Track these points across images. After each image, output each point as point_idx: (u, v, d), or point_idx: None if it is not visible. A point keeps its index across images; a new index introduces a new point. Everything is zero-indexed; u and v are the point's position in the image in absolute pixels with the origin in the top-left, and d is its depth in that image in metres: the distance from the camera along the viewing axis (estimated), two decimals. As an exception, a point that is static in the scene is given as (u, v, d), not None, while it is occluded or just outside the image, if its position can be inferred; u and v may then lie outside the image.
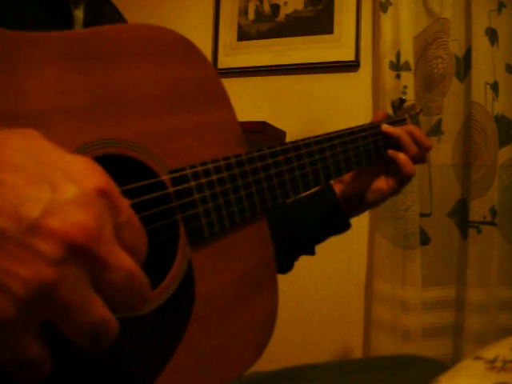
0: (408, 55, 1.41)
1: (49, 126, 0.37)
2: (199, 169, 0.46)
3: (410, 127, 0.71)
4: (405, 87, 1.40)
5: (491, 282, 1.33)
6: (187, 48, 0.49)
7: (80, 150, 0.38)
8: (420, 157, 0.70)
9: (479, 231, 1.35)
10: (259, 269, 0.52)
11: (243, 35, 1.65)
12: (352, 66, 1.55)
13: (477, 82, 1.36)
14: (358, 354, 1.51)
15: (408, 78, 1.40)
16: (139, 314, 0.40)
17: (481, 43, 1.36)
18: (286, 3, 1.61)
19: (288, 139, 1.56)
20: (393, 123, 0.72)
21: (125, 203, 0.29)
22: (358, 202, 0.72)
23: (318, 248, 0.75)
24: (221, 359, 0.47)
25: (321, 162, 0.59)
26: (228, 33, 1.66)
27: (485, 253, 1.34)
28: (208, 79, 0.50)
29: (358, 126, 0.67)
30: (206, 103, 0.50)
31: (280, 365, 0.64)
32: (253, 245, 0.52)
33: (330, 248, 0.76)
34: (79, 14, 0.50)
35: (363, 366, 0.63)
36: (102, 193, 0.27)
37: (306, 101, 1.58)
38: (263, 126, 1.39)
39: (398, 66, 1.42)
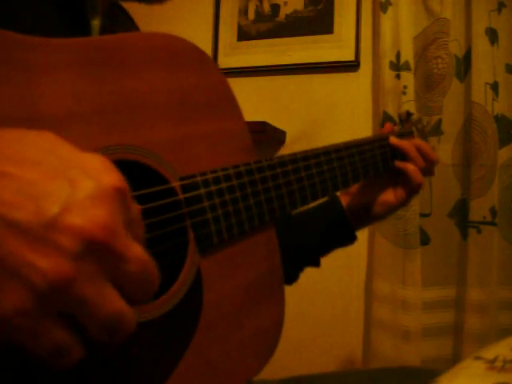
0: (408, 55, 1.41)
1: (62, 130, 0.37)
2: (209, 176, 0.47)
3: (417, 141, 0.71)
4: (405, 87, 1.40)
5: (491, 282, 1.33)
6: (198, 57, 0.50)
7: None
8: (427, 170, 0.71)
9: (479, 231, 1.35)
10: (266, 277, 0.53)
11: (243, 35, 1.65)
12: (352, 66, 1.55)
13: (477, 82, 1.36)
14: (358, 353, 1.51)
15: (408, 78, 1.40)
16: (149, 319, 0.40)
17: (481, 43, 1.36)
18: (286, 3, 1.61)
19: (288, 139, 1.56)
20: (400, 136, 0.72)
21: (133, 202, 0.30)
22: (364, 215, 0.72)
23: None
24: (227, 366, 0.47)
25: (329, 172, 0.60)
26: (228, 33, 1.66)
27: (485, 253, 1.34)
28: (219, 88, 0.52)
29: (365, 138, 0.67)
30: (217, 111, 0.51)
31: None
32: (261, 253, 0.52)
33: (330, 248, 0.76)
34: (96, 22, 0.51)
35: (368, 377, 0.64)
36: (117, 190, 0.28)
37: (306, 101, 1.58)
38: (263, 126, 1.39)
39: (397, 66, 1.42)
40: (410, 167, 0.68)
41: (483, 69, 1.35)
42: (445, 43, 1.40)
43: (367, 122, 1.54)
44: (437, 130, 1.41)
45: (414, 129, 0.76)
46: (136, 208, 0.30)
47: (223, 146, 0.50)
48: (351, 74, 1.56)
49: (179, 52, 0.48)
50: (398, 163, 0.69)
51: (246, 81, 1.63)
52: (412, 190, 0.70)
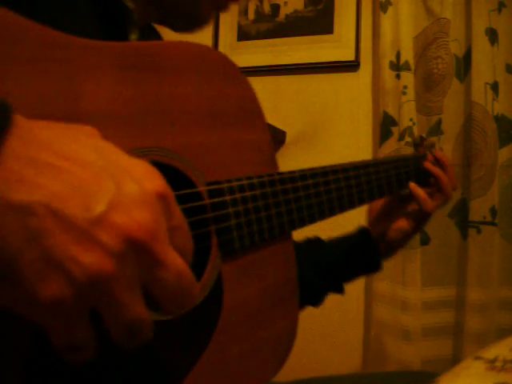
0: (408, 55, 1.41)
1: (99, 130, 0.39)
2: (234, 184, 0.49)
3: (438, 153, 0.75)
4: (405, 87, 1.40)
5: (491, 282, 1.33)
6: (231, 68, 0.52)
7: None
8: (448, 188, 0.74)
9: (479, 231, 1.35)
10: (282, 287, 0.54)
11: (243, 35, 1.65)
12: (352, 66, 1.55)
13: (477, 82, 1.36)
14: (358, 354, 1.51)
15: (408, 78, 1.40)
16: (171, 318, 0.41)
17: (481, 43, 1.35)
18: (286, 3, 1.61)
19: (288, 139, 1.56)
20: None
21: (178, 209, 0.30)
22: (383, 245, 0.75)
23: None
24: (243, 369, 0.49)
25: (346, 189, 0.62)
26: (228, 33, 1.66)
27: (485, 253, 1.34)
28: (248, 99, 0.54)
29: (382, 158, 0.71)
30: (245, 122, 0.53)
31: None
32: (278, 263, 0.54)
33: (330, 247, 0.76)
34: (134, 37, 0.53)
35: (371, 380, 0.65)
36: (160, 196, 0.28)
37: (306, 101, 1.58)
38: (263, 126, 1.39)
39: (398, 66, 1.42)
40: (420, 193, 0.71)
41: (483, 69, 1.35)
42: (445, 43, 1.40)
43: (367, 122, 1.54)
44: (437, 130, 1.41)
45: (428, 152, 0.79)
46: (180, 215, 0.30)
47: (248, 156, 0.52)
48: (351, 74, 1.56)
49: (213, 62, 0.50)
50: (412, 187, 0.72)
51: (245, 81, 1.63)
52: (422, 216, 0.73)
